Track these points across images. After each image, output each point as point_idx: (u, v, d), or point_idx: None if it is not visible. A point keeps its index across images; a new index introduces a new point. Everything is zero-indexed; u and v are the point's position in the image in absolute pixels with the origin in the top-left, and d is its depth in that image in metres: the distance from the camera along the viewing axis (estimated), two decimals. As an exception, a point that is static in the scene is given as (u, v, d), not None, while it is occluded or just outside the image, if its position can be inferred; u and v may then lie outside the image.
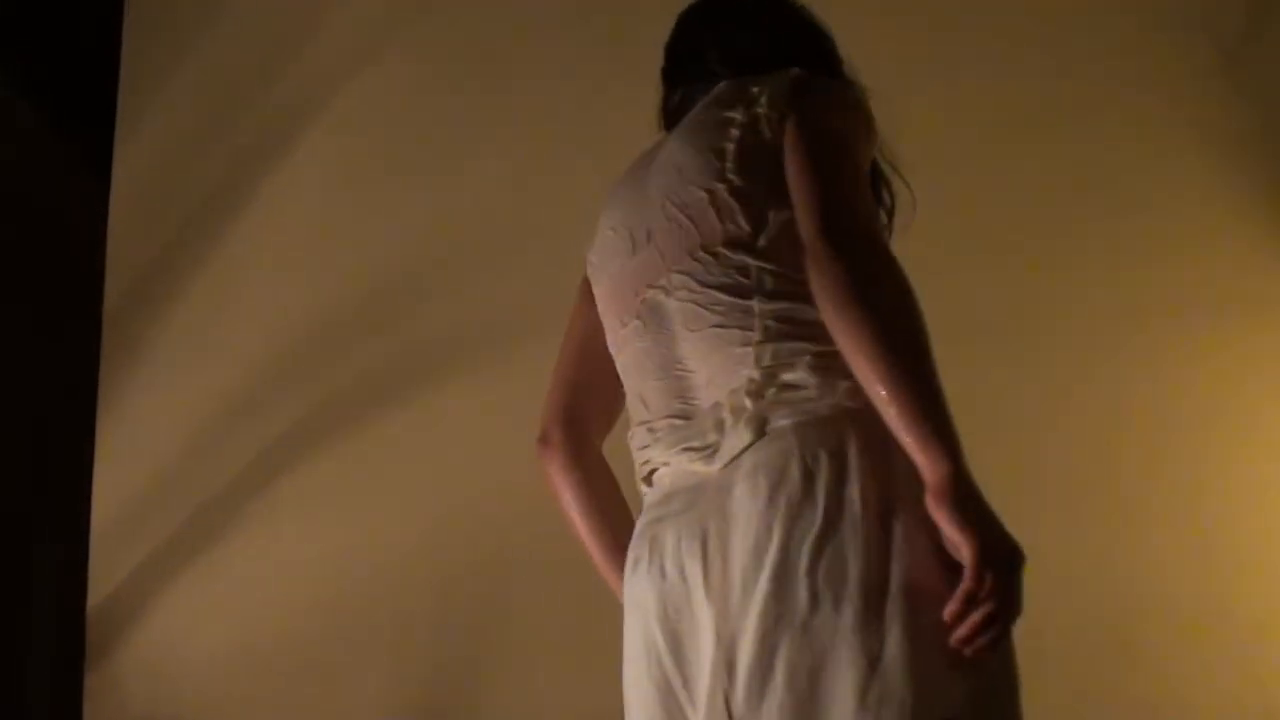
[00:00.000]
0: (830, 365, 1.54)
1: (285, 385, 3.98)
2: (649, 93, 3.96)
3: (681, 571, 1.56)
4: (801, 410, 1.54)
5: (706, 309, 1.63)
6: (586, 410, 1.91)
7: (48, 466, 4.27)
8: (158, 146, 4.28)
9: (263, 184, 4.20)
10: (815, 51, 1.94)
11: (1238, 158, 3.75)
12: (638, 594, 1.63)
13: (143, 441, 3.92)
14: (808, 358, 1.56)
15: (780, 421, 1.54)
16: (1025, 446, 3.43)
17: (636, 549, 1.67)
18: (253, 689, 3.68)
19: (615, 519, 1.88)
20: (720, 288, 1.62)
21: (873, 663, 1.38)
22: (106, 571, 3.78)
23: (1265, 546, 3.54)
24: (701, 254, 1.66)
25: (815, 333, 1.55)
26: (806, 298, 1.56)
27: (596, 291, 1.88)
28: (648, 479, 1.72)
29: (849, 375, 1.51)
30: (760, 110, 1.71)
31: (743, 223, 1.65)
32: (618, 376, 1.85)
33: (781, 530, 1.46)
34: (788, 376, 1.56)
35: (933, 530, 1.42)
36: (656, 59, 3.97)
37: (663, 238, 1.71)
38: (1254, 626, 3.51)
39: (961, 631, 1.38)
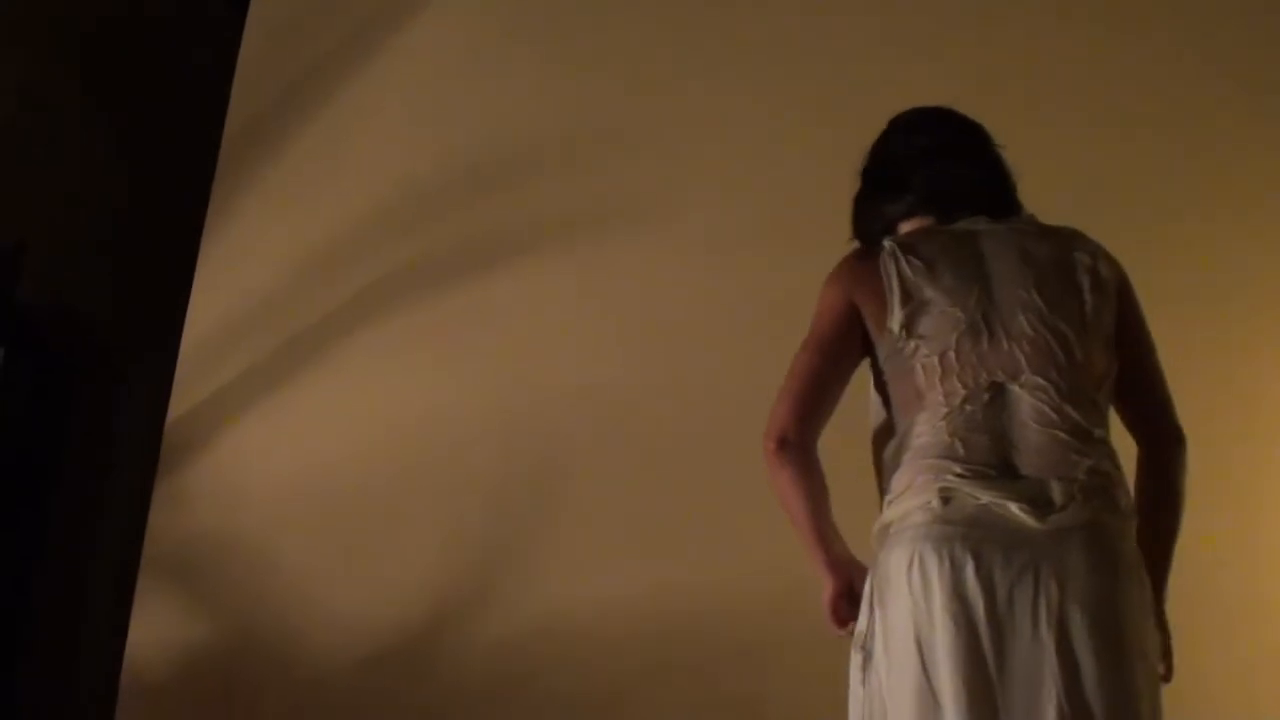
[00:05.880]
0: (1119, 486, 2.18)
1: (386, 236, 4.06)
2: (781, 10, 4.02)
3: (1011, 589, 2.04)
4: (1112, 514, 2.14)
5: (1057, 414, 2.15)
6: (820, 417, 2.28)
7: (148, 283, 4.41)
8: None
9: (393, 38, 4.26)
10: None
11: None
12: (961, 587, 2.06)
13: (242, 269, 4.04)
14: (1112, 477, 2.17)
15: (1105, 518, 2.12)
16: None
17: (948, 546, 2.09)
18: (314, 518, 3.81)
19: (827, 502, 2.28)
20: (1072, 405, 2.17)
21: (1153, 686, 2.13)
22: (189, 388, 3.92)
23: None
24: (1066, 374, 2.18)
25: (1114, 460, 2.19)
26: (1108, 431, 2.22)
27: (921, 346, 2.24)
28: (944, 499, 2.13)
29: (1129, 501, 2.19)
30: (1102, 272, 2.28)
31: (1095, 368, 2.23)
32: (840, 393, 2.30)
33: (1113, 599, 2.07)
34: (1103, 485, 2.14)
35: None
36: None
37: (1030, 346, 2.20)
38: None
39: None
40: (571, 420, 3.81)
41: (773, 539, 3.08)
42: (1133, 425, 2.35)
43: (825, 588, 2.26)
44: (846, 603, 2.24)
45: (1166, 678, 2.24)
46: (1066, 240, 2.34)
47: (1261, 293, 3.79)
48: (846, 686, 2.21)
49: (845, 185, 2.49)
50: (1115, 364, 2.27)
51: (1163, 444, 2.34)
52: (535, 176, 4.05)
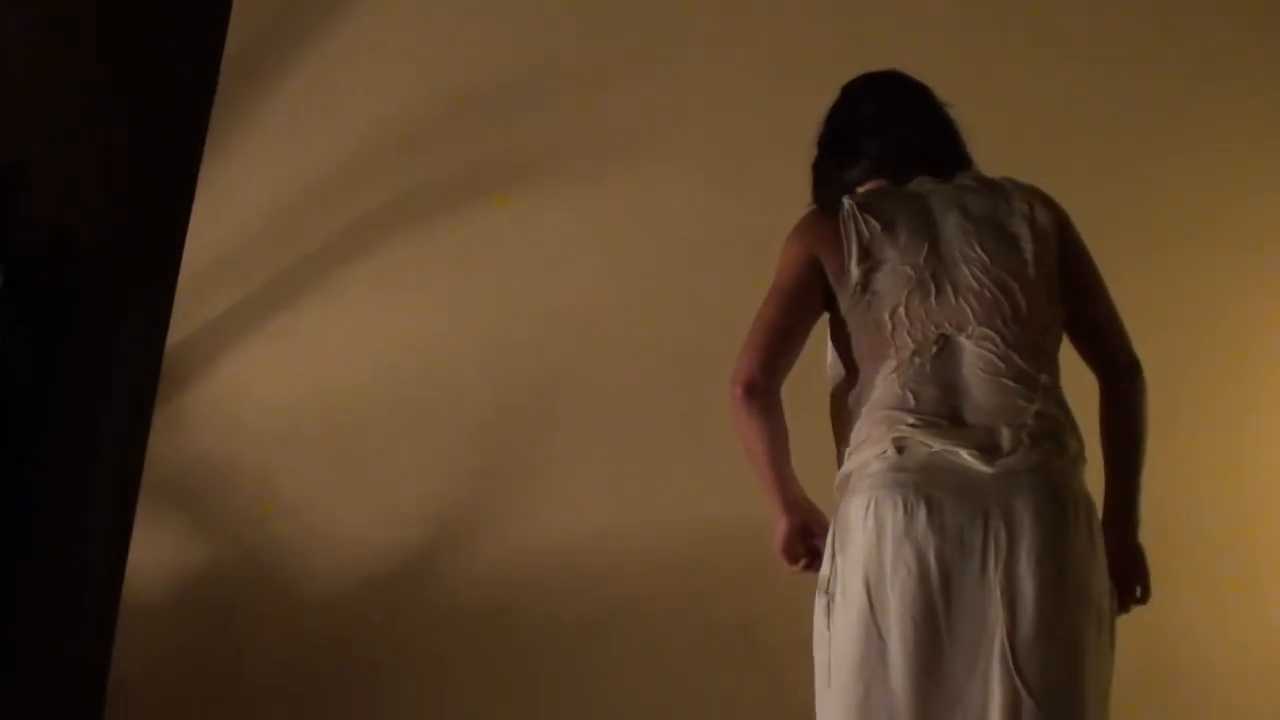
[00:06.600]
0: (1068, 429, 2.28)
1: (383, 165, 4.08)
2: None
3: (961, 531, 2.16)
4: (1060, 458, 2.24)
5: (1003, 362, 2.27)
6: (784, 366, 2.38)
7: (147, 213, 4.41)
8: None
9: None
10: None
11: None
12: (913, 531, 2.19)
13: (240, 200, 4.06)
14: (1060, 421, 2.27)
15: (1053, 461, 2.22)
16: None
17: (902, 493, 2.22)
18: (313, 444, 3.88)
19: (787, 447, 2.40)
20: (1018, 353, 2.28)
21: (1100, 627, 2.22)
22: (189, 315, 3.96)
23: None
24: (1011, 324, 2.29)
25: (1061, 404, 2.29)
26: (1057, 376, 2.31)
27: (870, 300, 2.35)
28: (899, 448, 2.24)
29: (1078, 443, 2.28)
30: (1039, 219, 2.38)
31: (1040, 314, 2.32)
32: (803, 343, 2.40)
33: (1058, 541, 2.17)
34: (1050, 429, 2.24)
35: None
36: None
37: (975, 299, 2.31)
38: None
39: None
40: (568, 349, 3.86)
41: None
42: (1090, 360, 2.45)
43: (780, 526, 2.38)
44: (799, 541, 2.37)
45: (1143, 599, 2.39)
46: (1004, 192, 2.44)
47: (1251, 230, 3.82)
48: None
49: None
50: (1062, 309, 2.37)
51: (1120, 375, 2.42)
52: (533, 105, 4.06)
